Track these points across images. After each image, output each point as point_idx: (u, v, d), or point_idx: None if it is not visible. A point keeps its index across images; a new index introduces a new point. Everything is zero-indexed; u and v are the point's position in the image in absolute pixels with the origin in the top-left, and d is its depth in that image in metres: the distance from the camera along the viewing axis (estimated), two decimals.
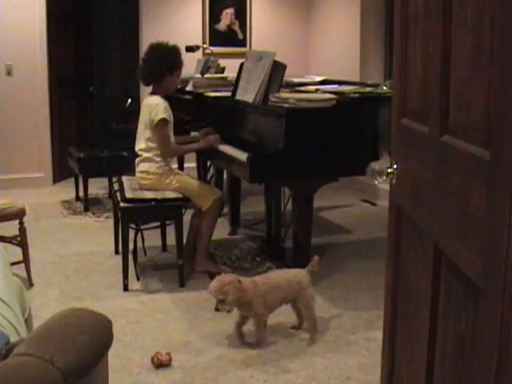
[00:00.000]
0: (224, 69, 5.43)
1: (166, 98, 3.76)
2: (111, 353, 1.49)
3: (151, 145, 3.66)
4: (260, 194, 4.57)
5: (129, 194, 3.58)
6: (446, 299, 1.28)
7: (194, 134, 4.11)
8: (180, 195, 3.60)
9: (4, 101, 5.99)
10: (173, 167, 3.78)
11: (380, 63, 6.00)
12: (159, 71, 3.68)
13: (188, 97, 4.70)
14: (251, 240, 4.43)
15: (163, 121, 3.59)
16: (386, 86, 3.83)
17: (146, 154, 3.68)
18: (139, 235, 3.89)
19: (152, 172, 3.65)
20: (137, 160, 3.75)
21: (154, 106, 3.62)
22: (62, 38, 6.49)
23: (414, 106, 1.53)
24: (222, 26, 6.83)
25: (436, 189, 1.31)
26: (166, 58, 3.69)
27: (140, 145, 3.72)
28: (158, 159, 3.66)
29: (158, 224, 4.16)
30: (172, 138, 3.73)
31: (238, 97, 3.85)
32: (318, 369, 2.66)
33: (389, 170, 1.66)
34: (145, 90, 5.20)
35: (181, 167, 5.52)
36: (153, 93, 3.75)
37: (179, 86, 3.98)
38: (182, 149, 3.94)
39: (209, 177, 5.44)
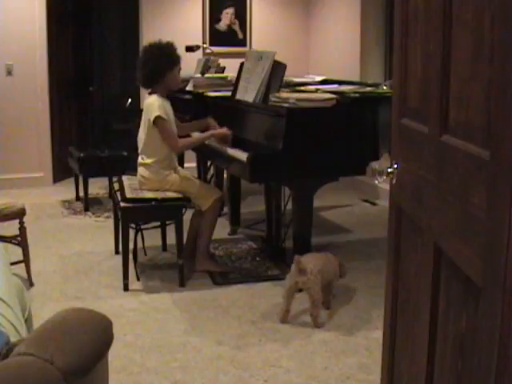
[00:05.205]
0: (224, 68, 5.43)
1: (167, 97, 3.74)
2: (111, 353, 1.49)
3: (149, 150, 3.63)
4: (260, 193, 4.57)
5: (129, 194, 3.58)
6: (445, 299, 1.28)
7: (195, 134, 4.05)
8: (180, 195, 3.60)
9: (4, 101, 5.99)
10: (172, 169, 3.72)
11: (380, 63, 5.99)
12: (159, 68, 3.59)
13: (188, 96, 4.70)
14: (251, 240, 4.43)
15: (159, 118, 3.53)
16: (386, 85, 3.83)
17: (145, 160, 3.66)
18: (139, 235, 3.89)
19: (150, 179, 3.64)
20: (138, 161, 3.74)
21: (149, 106, 3.58)
22: (62, 37, 6.49)
23: (414, 106, 1.53)
24: (222, 25, 6.83)
25: (436, 188, 1.31)
26: (164, 53, 3.61)
27: (140, 148, 3.71)
28: (156, 166, 3.62)
29: (158, 224, 4.16)
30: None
31: (238, 96, 3.85)
32: (318, 368, 2.66)
33: (389, 170, 1.66)
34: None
35: (181, 165, 5.50)
36: (151, 92, 3.68)
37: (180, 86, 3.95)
38: (191, 141, 3.82)
39: (209, 177, 5.44)
